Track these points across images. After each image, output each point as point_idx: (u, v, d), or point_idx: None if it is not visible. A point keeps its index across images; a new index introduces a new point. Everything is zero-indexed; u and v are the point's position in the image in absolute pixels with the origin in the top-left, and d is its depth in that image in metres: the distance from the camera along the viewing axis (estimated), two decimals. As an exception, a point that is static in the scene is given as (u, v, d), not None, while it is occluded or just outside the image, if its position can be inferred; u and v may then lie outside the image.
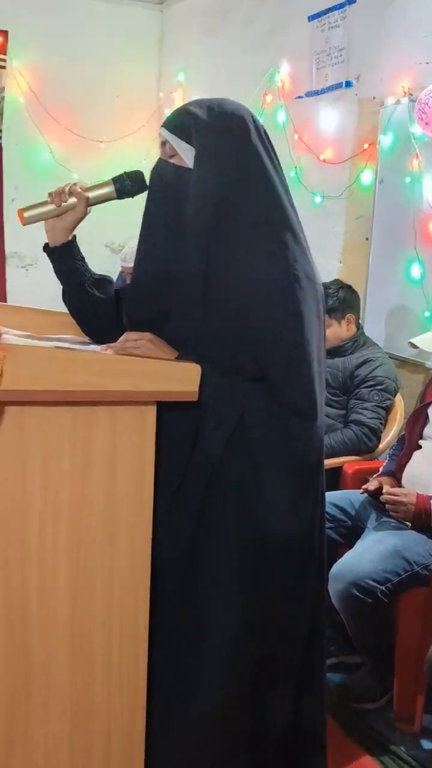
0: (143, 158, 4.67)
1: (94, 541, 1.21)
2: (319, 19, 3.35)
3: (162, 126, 1.34)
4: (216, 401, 1.21)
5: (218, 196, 1.26)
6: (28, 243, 4.51)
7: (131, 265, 3.85)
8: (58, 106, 4.52)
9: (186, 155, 1.30)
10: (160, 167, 1.35)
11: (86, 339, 1.54)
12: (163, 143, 1.34)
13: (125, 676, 1.31)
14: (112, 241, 4.73)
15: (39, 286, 4.76)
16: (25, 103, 4.42)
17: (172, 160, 1.32)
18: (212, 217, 1.26)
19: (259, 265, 1.25)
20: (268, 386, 1.24)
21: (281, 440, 1.24)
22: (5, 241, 4.47)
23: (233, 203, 1.26)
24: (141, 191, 1.46)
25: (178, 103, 4.57)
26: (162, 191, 1.34)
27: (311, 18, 3.40)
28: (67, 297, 1.51)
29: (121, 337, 1.28)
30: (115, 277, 3.94)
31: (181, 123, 1.31)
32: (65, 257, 1.48)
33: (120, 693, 1.32)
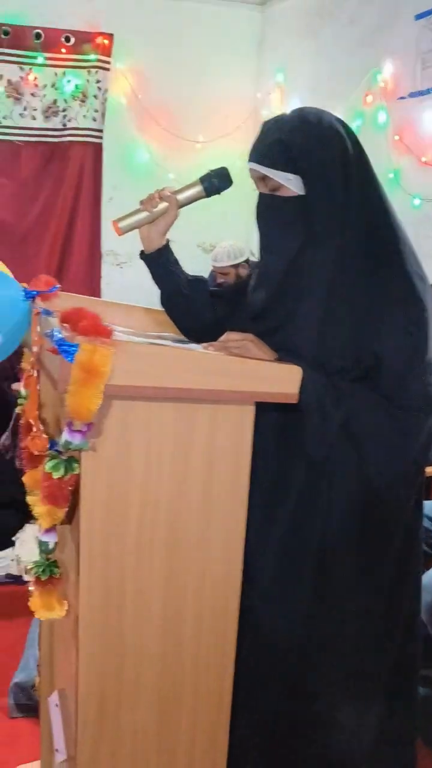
0: (238, 158, 4.69)
1: (189, 538, 1.23)
2: (428, 17, 3.27)
3: (252, 162, 1.32)
4: (320, 403, 1.20)
5: (337, 212, 1.26)
6: (123, 241, 4.60)
7: (221, 264, 3.90)
8: (158, 107, 4.60)
9: (292, 184, 1.29)
10: (269, 203, 1.33)
11: (184, 338, 1.57)
12: (261, 178, 1.33)
13: (212, 672, 1.33)
14: (203, 241, 4.78)
15: (133, 284, 4.88)
16: (126, 103, 4.53)
17: (278, 193, 1.31)
18: (333, 233, 1.26)
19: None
20: (379, 385, 1.23)
21: (388, 440, 1.23)
22: (102, 239, 4.59)
23: (349, 217, 1.26)
24: (227, 187, 1.47)
25: (276, 103, 4.56)
26: (280, 226, 1.32)
27: (418, 17, 3.32)
28: (164, 299, 1.54)
29: (222, 337, 1.30)
30: (206, 276, 3.98)
31: (277, 153, 1.28)
32: (161, 262, 1.50)
33: (207, 689, 1.33)
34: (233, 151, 4.71)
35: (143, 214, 1.45)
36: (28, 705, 2.07)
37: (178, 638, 1.27)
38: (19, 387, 3.96)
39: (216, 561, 1.26)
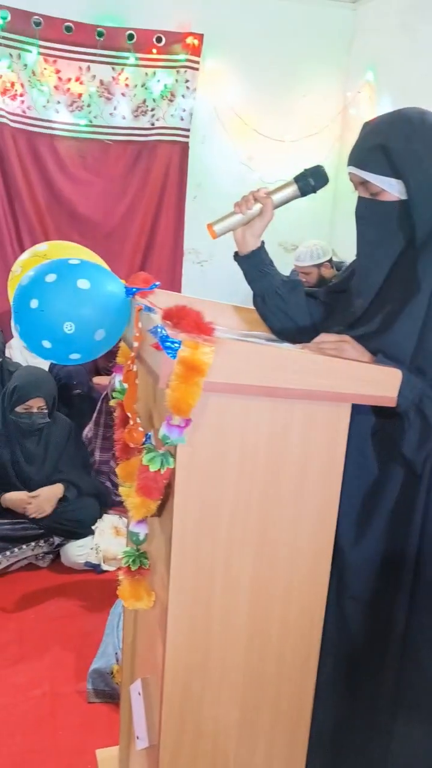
0: (325, 157, 4.65)
1: (280, 535, 1.23)
2: None
3: (352, 166, 1.31)
4: (419, 407, 1.18)
5: None
6: (204, 240, 4.65)
7: (304, 264, 3.88)
8: (245, 106, 4.62)
9: (394, 189, 1.27)
10: (370, 208, 1.32)
11: (274, 337, 1.57)
12: (362, 183, 1.31)
13: (295, 673, 1.33)
14: (285, 240, 4.76)
15: (212, 282, 4.94)
16: (214, 103, 4.56)
17: (378, 198, 1.29)
18: None
19: None
20: None
21: None
22: (184, 236, 4.64)
23: None
24: (323, 186, 1.46)
25: (365, 103, 4.50)
26: (381, 231, 1.31)
27: None
28: (258, 300, 1.54)
29: (317, 338, 1.29)
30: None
31: (378, 158, 1.27)
32: (256, 264, 1.50)
33: (289, 688, 1.33)
34: (320, 150, 4.69)
35: (237, 217, 1.46)
36: (105, 691, 2.12)
37: (263, 634, 1.28)
38: (102, 381, 4.05)
39: (305, 560, 1.26)
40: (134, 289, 1.29)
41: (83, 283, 1.23)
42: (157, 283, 1.32)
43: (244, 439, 1.15)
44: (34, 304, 1.22)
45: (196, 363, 1.02)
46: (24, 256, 1.81)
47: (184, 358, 1.02)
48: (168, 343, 1.03)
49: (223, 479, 1.17)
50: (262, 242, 1.50)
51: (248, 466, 1.17)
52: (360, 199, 1.34)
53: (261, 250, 1.49)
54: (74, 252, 1.75)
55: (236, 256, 1.51)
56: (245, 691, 1.30)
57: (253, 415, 1.14)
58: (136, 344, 1.19)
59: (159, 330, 1.04)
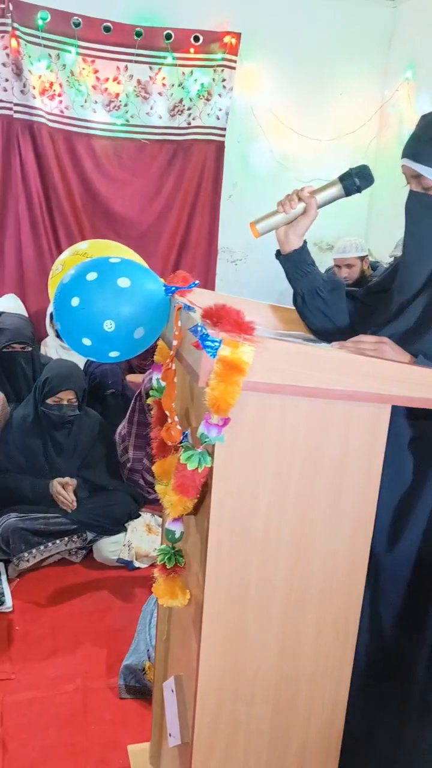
0: (362, 157, 4.61)
1: (316, 536, 1.22)
2: None
3: (406, 158, 1.30)
4: None
5: None
6: (239, 239, 4.66)
7: (349, 255, 3.85)
8: (282, 105, 4.60)
9: None
10: (422, 202, 1.31)
11: (312, 337, 1.56)
12: (415, 176, 1.30)
13: (329, 676, 1.32)
14: (320, 240, 4.73)
15: (246, 281, 4.93)
16: (251, 102, 4.55)
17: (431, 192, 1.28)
18: None
19: None
20: None
21: None
22: (219, 235, 4.64)
23: None
24: (368, 186, 1.44)
25: (403, 101, 4.45)
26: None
27: None
28: (299, 300, 1.53)
29: (355, 338, 1.28)
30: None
31: None
32: (298, 263, 1.49)
33: (322, 692, 1.33)
34: (356, 149, 4.65)
35: (280, 216, 1.45)
36: (137, 687, 2.13)
37: (298, 636, 1.28)
38: (135, 379, 4.06)
39: (340, 563, 1.25)
40: (173, 288, 1.29)
41: (124, 282, 1.24)
42: (196, 282, 1.32)
43: (282, 440, 1.15)
44: (75, 302, 1.23)
45: (236, 362, 1.02)
46: (65, 255, 1.83)
47: (224, 357, 1.03)
48: (208, 342, 1.03)
49: (260, 479, 1.17)
50: (305, 242, 1.49)
51: (285, 466, 1.17)
52: (411, 193, 1.32)
53: (303, 250, 1.49)
54: (115, 250, 1.76)
55: (278, 254, 1.51)
56: (279, 692, 1.30)
57: (291, 415, 1.14)
58: (175, 342, 1.19)
59: (199, 329, 1.04)
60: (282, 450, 1.15)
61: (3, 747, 1.92)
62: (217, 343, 1.03)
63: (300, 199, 1.42)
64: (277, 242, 1.48)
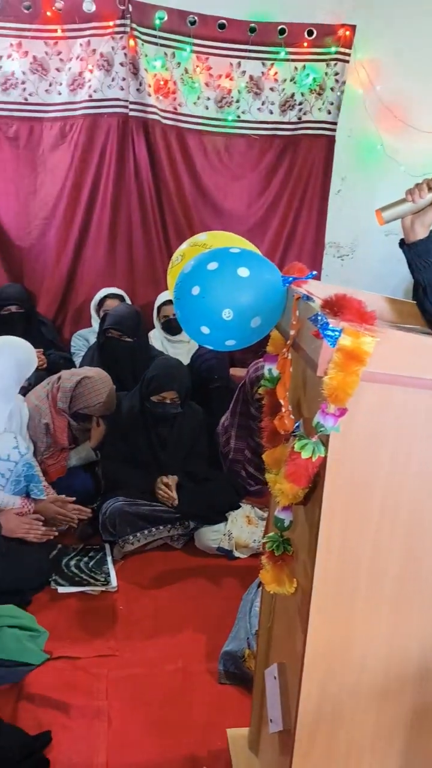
0: None
1: (430, 535, 1.20)
2: None
3: None
4: None
5: None
6: (347, 234, 4.60)
7: None
8: (394, 97, 4.49)
9: None
10: None
11: (430, 330, 1.53)
12: None
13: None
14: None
15: (352, 277, 4.86)
16: (362, 95, 4.47)
17: None
18: None
19: None
20: None
21: None
22: (327, 230, 4.60)
23: None
24: None
25: None
26: None
27: None
28: (419, 291, 1.50)
29: None
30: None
31: None
32: (421, 254, 1.47)
33: (431, 689, 1.31)
34: (472, 143, 4.48)
35: (407, 205, 1.44)
36: (236, 674, 2.17)
37: (407, 631, 1.26)
38: (238, 373, 4.08)
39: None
40: (291, 278, 1.30)
41: (243, 272, 1.26)
42: (314, 272, 1.33)
43: (400, 432, 1.14)
44: (195, 290, 1.26)
45: (357, 352, 1.02)
46: (184, 246, 1.89)
47: (344, 347, 1.03)
48: (329, 332, 1.04)
49: (374, 471, 1.16)
50: (431, 232, 1.47)
51: (401, 459, 1.16)
52: None
53: (429, 240, 1.46)
54: (233, 241, 1.79)
55: (401, 243, 1.49)
56: (385, 686, 1.29)
57: (410, 408, 1.12)
58: (292, 332, 1.20)
59: (320, 318, 1.05)
60: (399, 443, 1.14)
61: (108, 720, 2.00)
62: (337, 333, 1.03)
63: (430, 189, 1.40)
64: (402, 231, 1.47)
